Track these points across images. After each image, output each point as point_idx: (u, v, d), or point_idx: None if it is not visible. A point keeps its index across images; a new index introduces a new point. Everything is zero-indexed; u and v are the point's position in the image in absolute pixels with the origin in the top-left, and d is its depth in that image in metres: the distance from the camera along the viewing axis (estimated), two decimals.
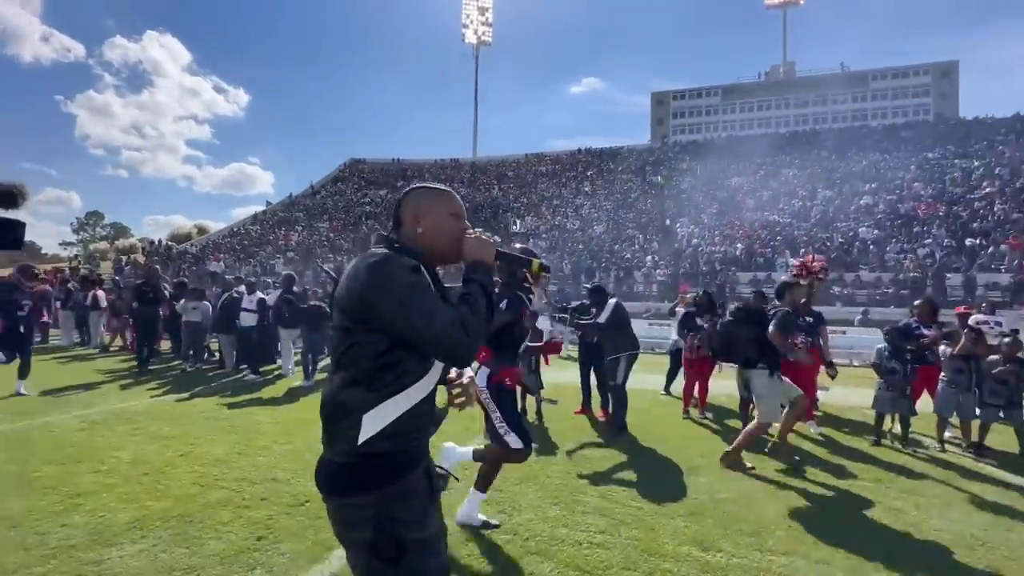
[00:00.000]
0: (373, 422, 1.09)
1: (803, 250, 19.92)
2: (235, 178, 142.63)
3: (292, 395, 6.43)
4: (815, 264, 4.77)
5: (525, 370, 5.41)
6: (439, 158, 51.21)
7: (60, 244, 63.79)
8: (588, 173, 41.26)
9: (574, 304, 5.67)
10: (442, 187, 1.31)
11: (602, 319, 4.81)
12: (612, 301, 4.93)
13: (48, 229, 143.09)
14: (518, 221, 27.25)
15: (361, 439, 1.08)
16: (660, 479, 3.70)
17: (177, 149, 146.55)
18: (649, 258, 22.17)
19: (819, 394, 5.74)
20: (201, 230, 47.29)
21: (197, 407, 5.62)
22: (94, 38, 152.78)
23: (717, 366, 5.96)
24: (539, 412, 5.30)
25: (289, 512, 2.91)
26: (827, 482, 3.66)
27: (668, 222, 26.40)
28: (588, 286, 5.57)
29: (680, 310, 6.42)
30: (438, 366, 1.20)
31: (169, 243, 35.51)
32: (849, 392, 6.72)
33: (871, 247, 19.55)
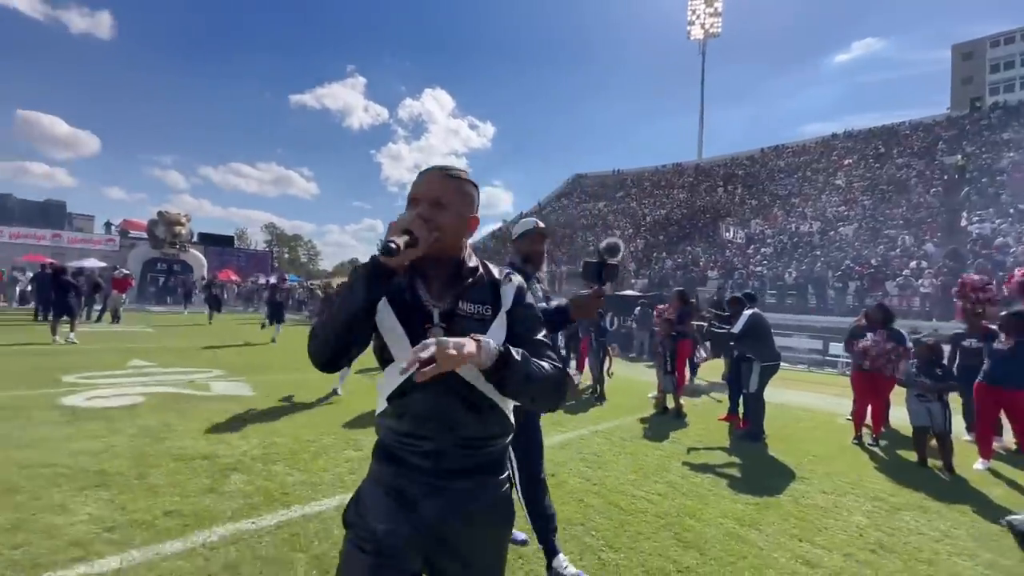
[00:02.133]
0: (377, 403, 1.13)
1: None
2: (483, 200, 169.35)
3: None
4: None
5: (661, 371, 5.86)
6: (661, 164, 50.38)
7: None
8: (845, 163, 34.38)
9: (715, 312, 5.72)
10: (426, 171, 1.16)
11: (735, 329, 4.90)
12: (748, 312, 4.94)
13: (365, 248, 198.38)
14: (731, 228, 24.96)
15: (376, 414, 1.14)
16: (753, 477, 3.79)
17: None
18: (914, 263, 17.48)
19: None
20: None
21: None
22: (393, 102, 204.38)
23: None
24: (677, 408, 5.67)
25: None
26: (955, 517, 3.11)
27: (964, 216, 19.95)
28: (738, 294, 5.59)
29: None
30: (395, 371, 1.05)
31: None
32: None
33: None
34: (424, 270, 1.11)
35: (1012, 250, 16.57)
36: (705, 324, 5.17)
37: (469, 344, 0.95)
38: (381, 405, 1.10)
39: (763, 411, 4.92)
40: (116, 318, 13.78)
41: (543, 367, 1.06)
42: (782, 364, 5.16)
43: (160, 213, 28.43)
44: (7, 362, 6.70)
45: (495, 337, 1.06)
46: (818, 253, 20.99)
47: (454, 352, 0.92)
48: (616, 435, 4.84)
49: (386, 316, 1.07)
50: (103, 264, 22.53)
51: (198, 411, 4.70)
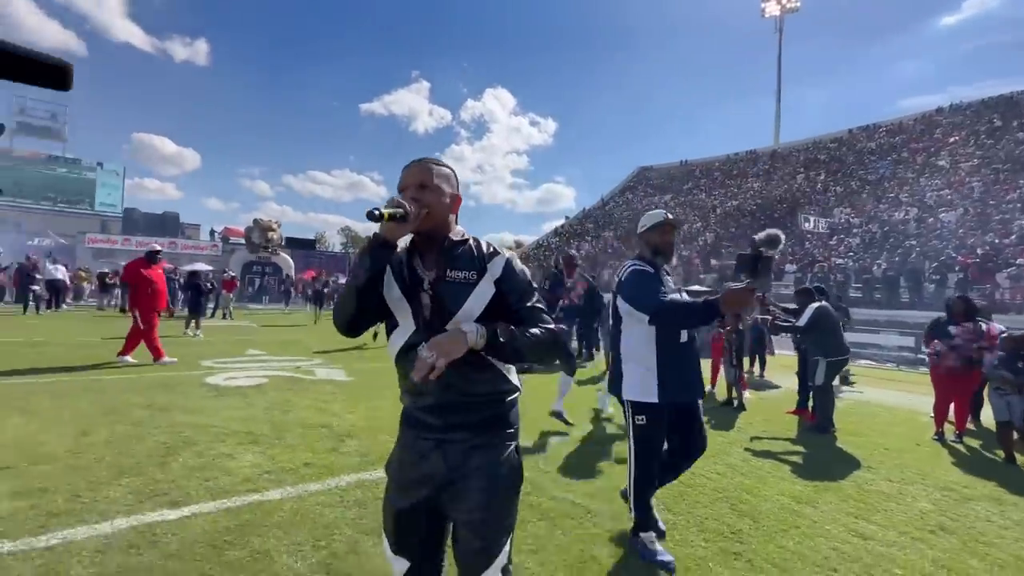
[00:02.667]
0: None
1: None
2: (545, 197, 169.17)
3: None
4: None
5: (726, 364, 5.96)
6: (733, 152, 47.83)
7: None
8: (950, 140, 30.87)
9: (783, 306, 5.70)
10: (419, 160, 1.31)
11: (801, 323, 4.93)
12: (815, 305, 4.94)
13: None
14: (811, 218, 23.34)
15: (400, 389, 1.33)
16: (817, 463, 3.88)
17: (504, 179, 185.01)
18: None
19: None
20: (518, 243, 59.11)
21: None
22: (455, 104, 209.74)
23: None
24: (739, 400, 5.76)
25: None
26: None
27: None
28: (807, 286, 5.57)
29: None
30: (400, 334, 1.25)
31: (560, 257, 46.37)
32: None
33: None
34: (419, 246, 1.29)
35: None
36: (771, 317, 5.20)
37: (457, 344, 1.12)
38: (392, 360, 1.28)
39: (832, 404, 4.92)
40: (226, 315, 15.80)
41: (534, 333, 1.21)
42: (866, 362, 5.10)
43: (255, 220, 31.61)
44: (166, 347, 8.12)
45: (480, 298, 1.22)
46: (913, 243, 19.20)
47: (446, 357, 1.09)
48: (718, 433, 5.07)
49: (389, 286, 1.24)
50: (210, 268, 25.65)
51: (309, 391, 5.54)
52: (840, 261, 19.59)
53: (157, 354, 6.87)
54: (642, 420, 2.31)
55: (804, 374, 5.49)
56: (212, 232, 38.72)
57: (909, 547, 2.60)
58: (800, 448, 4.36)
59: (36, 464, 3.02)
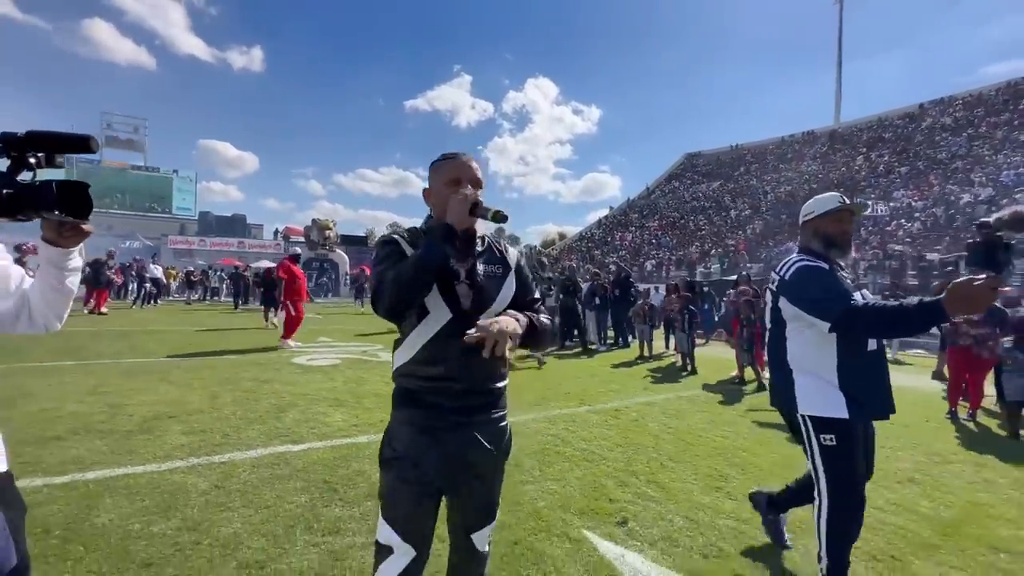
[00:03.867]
0: (396, 360, 1.35)
1: None
2: (589, 187, 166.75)
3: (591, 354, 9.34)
4: None
5: (740, 348, 6.42)
6: (788, 134, 45.68)
7: None
8: None
9: None
10: (451, 156, 1.36)
11: None
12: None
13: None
14: (869, 202, 22.31)
15: (392, 368, 1.37)
16: None
17: (548, 169, 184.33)
18: None
19: None
20: (562, 235, 59.37)
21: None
22: (497, 97, 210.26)
23: None
24: (758, 378, 6.24)
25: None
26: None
27: None
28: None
29: None
30: (431, 322, 1.26)
31: (539, 248, 46.92)
32: None
33: None
34: (453, 238, 1.26)
35: None
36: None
37: (517, 330, 1.22)
38: (407, 356, 1.30)
39: None
40: None
41: (545, 323, 1.40)
42: (916, 351, 5.40)
43: (314, 220, 33.95)
44: (245, 336, 9.50)
45: (509, 289, 1.37)
46: (975, 227, 18.06)
47: (512, 340, 1.20)
48: (699, 399, 5.63)
49: None
50: (273, 264, 28.03)
51: (376, 370, 6.53)
52: (897, 248, 18.77)
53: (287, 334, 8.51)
54: (830, 441, 1.91)
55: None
56: (276, 231, 41.88)
57: (872, 491, 3.12)
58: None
59: (191, 415, 4.09)
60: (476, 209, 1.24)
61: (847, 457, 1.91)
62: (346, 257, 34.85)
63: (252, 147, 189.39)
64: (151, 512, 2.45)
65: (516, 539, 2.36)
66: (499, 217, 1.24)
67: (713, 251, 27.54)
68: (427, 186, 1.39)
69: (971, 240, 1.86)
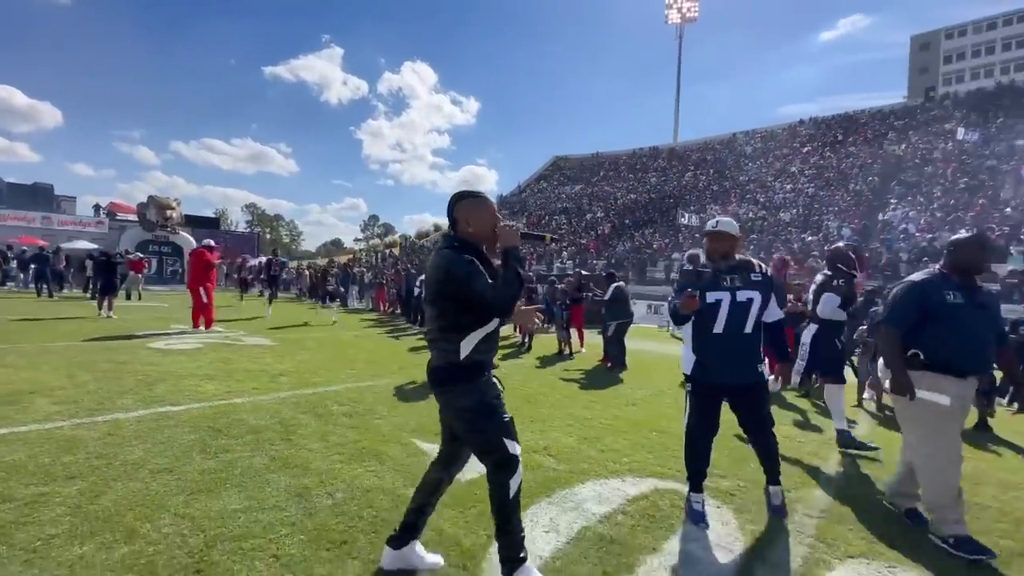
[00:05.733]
0: (466, 346, 1.87)
1: None
2: (467, 179, 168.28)
3: None
4: None
5: (560, 329, 8.21)
6: (638, 147, 52.06)
7: (354, 240, 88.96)
8: (804, 150, 36.89)
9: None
10: (481, 193, 1.98)
11: (606, 296, 7.33)
12: (613, 285, 7.37)
13: (347, 228, 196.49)
14: (686, 214, 27.45)
15: (462, 356, 1.87)
16: (596, 381, 6.23)
17: (425, 158, 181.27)
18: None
19: None
20: (437, 227, 60.07)
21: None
22: (372, 76, 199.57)
23: None
24: (569, 350, 8.13)
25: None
26: None
27: (892, 203, 22.57)
28: (612, 271, 8.02)
29: None
30: (491, 317, 1.89)
31: (414, 239, 47.14)
32: None
33: None
34: (481, 254, 1.92)
35: (914, 236, 19.35)
36: (591, 294, 7.54)
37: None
38: (475, 342, 1.88)
39: (622, 351, 7.35)
40: (130, 295, 15.73)
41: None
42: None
43: (151, 197, 29.73)
44: (86, 325, 8.82)
45: None
46: (755, 237, 23.63)
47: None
48: (529, 365, 7.26)
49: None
50: (94, 246, 24.05)
51: (243, 351, 6.95)
52: (696, 252, 23.53)
53: (208, 323, 8.97)
54: (688, 387, 2.97)
55: (604, 335, 7.91)
56: (97, 207, 35.43)
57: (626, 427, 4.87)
58: (594, 377, 6.71)
59: (53, 391, 4.33)
60: (546, 239, 2.21)
61: (692, 398, 2.89)
62: (192, 241, 31.17)
63: (52, 96, 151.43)
64: (54, 452, 3.01)
65: (368, 449, 3.46)
66: (551, 240, 2.29)
67: (566, 250, 30.93)
68: (464, 215, 1.93)
69: (686, 267, 3.28)
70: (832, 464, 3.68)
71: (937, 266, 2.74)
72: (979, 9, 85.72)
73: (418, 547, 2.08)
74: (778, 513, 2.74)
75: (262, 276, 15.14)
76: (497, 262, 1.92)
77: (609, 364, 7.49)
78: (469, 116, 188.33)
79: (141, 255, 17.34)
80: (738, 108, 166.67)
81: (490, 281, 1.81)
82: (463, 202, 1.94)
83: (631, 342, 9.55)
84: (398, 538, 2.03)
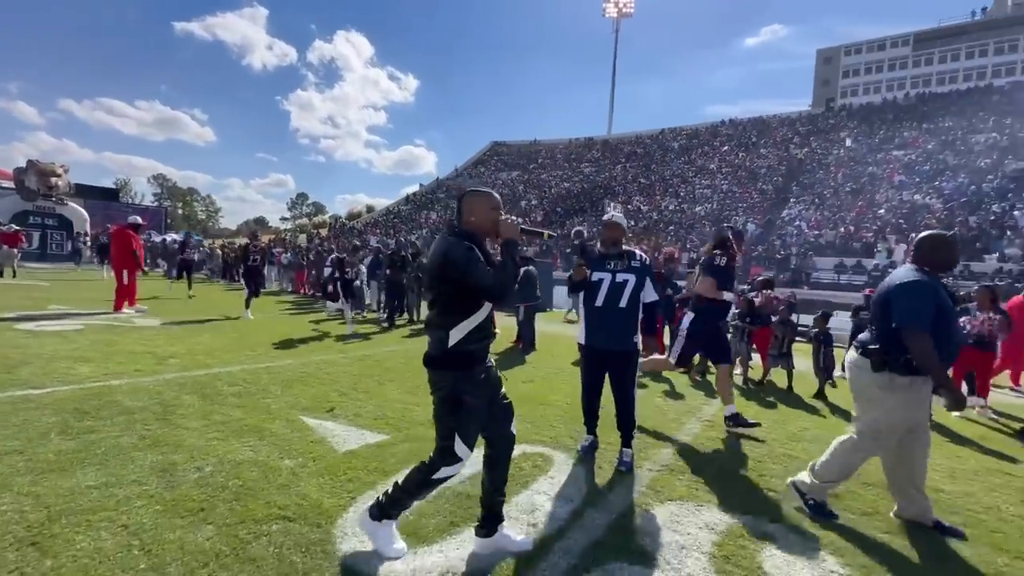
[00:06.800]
0: (456, 334, 1.92)
1: (912, 236, 18.07)
2: (405, 159, 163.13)
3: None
4: None
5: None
6: (574, 137, 53.03)
7: (280, 219, 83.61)
8: (723, 148, 39.50)
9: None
10: (486, 190, 2.07)
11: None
12: (523, 269, 7.67)
13: (274, 206, 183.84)
14: (612, 205, 28.69)
15: (450, 343, 1.92)
16: (508, 362, 6.54)
17: (360, 135, 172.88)
18: None
19: None
20: (369, 208, 58.11)
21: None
22: (302, 43, 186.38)
23: None
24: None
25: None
26: None
27: (791, 202, 24.97)
28: (527, 255, 8.33)
29: None
30: (488, 304, 1.97)
31: (344, 220, 45.27)
32: None
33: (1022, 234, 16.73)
34: (481, 244, 2.00)
35: (804, 232, 21.63)
36: None
37: None
38: (466, 331, 1.94)
39: (532, 333, 7.72)
40: (2, 272, 13.91)
41: None
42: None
43: (30, 162, 26.20)
44: None
45: None
46: (672, 228, 25.26)
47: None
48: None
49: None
50: None
51: (131, 333, 6.50)
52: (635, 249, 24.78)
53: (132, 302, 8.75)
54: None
55: (516, 318, 8.23)
56: None
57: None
58: (507, 360, 7.02)
59: None
60: (526, 232, 2.09)
61: (582, 360, 3.46)
62: (84, 213, 28.02)
63: None
64: None
65: (250, 426, 3.47)
66: (548, 236, 2.34)
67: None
68: (468, 208, 2.03)
69: (574, 242, 3.72)
70: (685, 429, 4.20)
71: (910, 264, 2.64)
72: (880, 29, 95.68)
73: (505, 529, 2.20)
74: (626, 469, 3.15)
75: (179, 257, 13.72)
76: (497, 257, 2.01)
77: (520, 345, 7.84)
78: (407, 94, 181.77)
79: (17, 227, 15.31)
80: (669, 105, 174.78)
81: (488, 268, 1.91)
82: (470, 196, 2.07)
83: (550, 325, 10.09)
84: (484, 527, 2.14)
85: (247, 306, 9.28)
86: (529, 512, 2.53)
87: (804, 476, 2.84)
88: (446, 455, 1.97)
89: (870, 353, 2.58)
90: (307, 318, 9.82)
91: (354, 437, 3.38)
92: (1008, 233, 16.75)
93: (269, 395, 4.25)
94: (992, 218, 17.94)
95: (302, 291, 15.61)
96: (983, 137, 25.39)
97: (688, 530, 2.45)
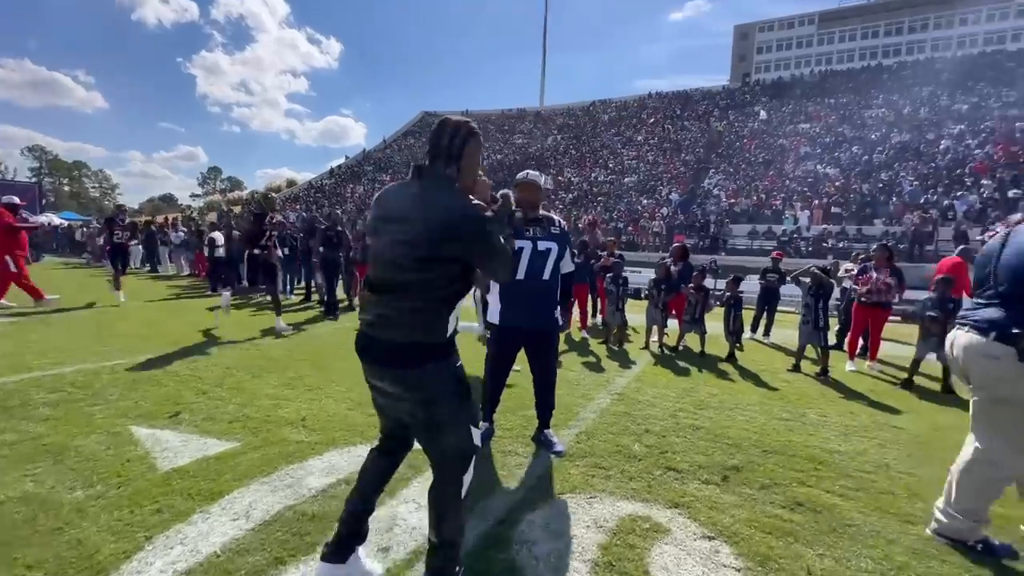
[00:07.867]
0: (453, 319, 1.59)
1: (815, 202, 19.42)
2: (332, 130, 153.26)
3: None
4: None
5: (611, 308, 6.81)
6: (507, 108, 52.03)
7: (190, 196, 75.85)
8: (650, 121, 40.28)
9: None
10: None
11: None
12: None
13: (183, 182, 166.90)
14: (543, 177, 28.53)
15: (450, 330, 1.58)
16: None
17: (279, 103, 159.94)
18: (664, 210, 22.77)
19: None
20: (291, 182, 54.05)
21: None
22: None
23: None
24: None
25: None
26: None
27: (711, 172, 25.95)
28: None
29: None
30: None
31: (263, 195, 41.79)
32: None
33: (904, 199, 18.42)
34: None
35: (721, 201, 22.62)
36: None
37: None
38: (459, 313, 1.65)
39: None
40: None
41: None
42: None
43: None
44: None
45: None
46: (600, 199, 25.54)
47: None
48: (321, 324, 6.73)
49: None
50: None
51: (54, 325, 5.25)
52: (549, 214, 24.81)
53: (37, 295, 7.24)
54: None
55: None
56: None
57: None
58: None
59: None
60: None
61: (492, 344, 3.01)
62: None
63: None
64: None
65: (50, 445, 2.73)
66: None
67: None
68: (469, 153, 1.66)
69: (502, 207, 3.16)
70: (593, 404, 3.95)
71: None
72: (795, 7, 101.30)
73: (362, 553, 1.78)
74: (562, 448, 2.93)
75: (105, 246, 10.44)
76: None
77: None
78: (330, 59, 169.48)
79: None
80: (601, 78, 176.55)
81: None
82: (473, 139, 1.69)
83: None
84: (338, 551, 1.70)
85: (117, 287, 8.01)
86: (387, 531, 2.09)
87: (941, 518, 2.18)
88: (467, 459, 1.60)
89: (1016, 338, 1.90)
90: (203, 304, 8.67)
91: (191, 448, 2.75)
92: (894, 199, 18.42)
93: (100, 401, 3.46)
94: (880, 185, 19.62)
95: (202, 274, 13.98)
96: (875, 112, 27.69)
97: (574, 531, 2.13)
